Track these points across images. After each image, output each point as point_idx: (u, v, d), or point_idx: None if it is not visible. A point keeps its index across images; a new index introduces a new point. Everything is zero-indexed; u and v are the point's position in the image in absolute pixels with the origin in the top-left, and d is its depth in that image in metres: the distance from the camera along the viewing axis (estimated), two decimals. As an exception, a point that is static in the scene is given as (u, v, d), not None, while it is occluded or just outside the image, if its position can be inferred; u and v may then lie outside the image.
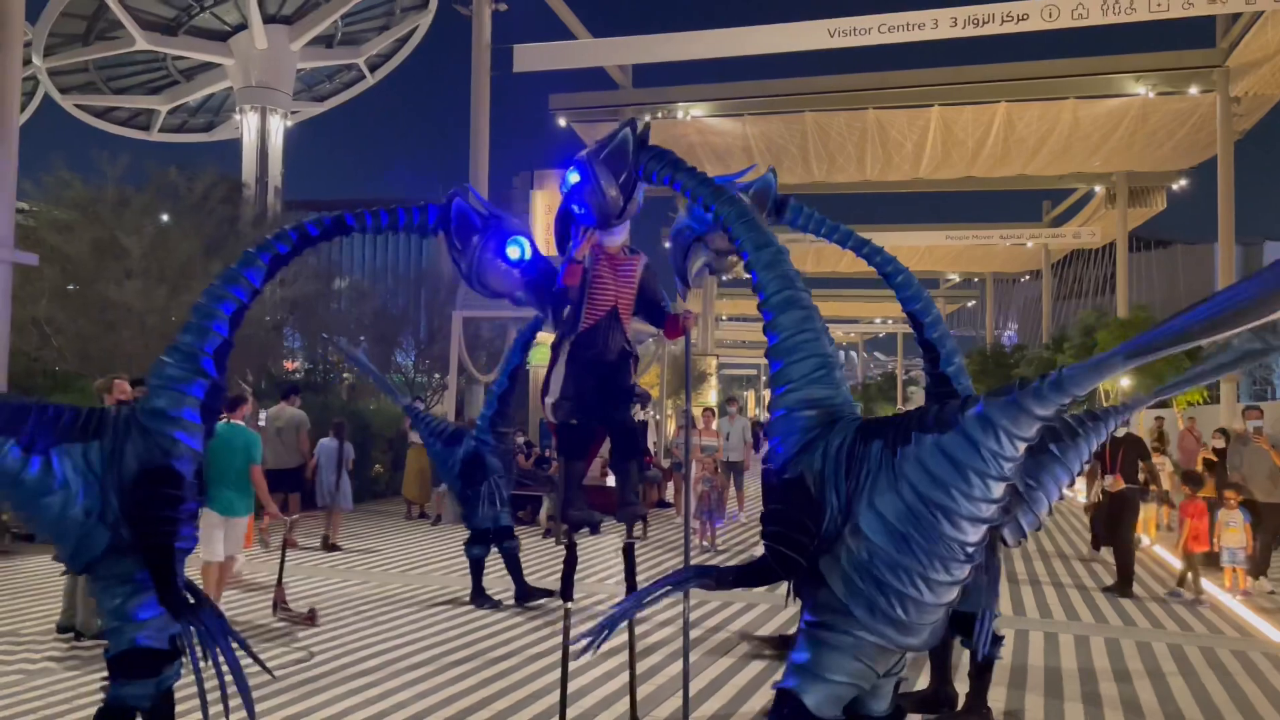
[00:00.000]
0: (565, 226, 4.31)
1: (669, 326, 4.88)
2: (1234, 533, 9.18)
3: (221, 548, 7.58)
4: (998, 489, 2.91)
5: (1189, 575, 9.29)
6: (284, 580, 7.98)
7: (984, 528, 2.98)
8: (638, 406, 5.17)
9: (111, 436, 3.70)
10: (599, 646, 3.51)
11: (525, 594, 8.39)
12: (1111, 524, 9.93)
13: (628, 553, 5.20)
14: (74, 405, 3.86)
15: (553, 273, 4.42)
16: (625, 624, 4.16)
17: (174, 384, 3.76)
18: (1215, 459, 11.02)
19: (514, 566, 8.46)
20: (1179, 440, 17.92)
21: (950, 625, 5.30)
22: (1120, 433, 10.18)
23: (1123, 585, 9.36)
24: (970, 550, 2.99)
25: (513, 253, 4.22)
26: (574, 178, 4.07)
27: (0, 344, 11.65)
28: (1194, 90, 23.74)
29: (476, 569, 8.48)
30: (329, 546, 11.42)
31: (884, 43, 19.20)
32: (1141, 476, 9.89)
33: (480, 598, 8.38)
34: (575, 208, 4.15)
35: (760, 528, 3.43)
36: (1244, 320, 2.28)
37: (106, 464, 3.67)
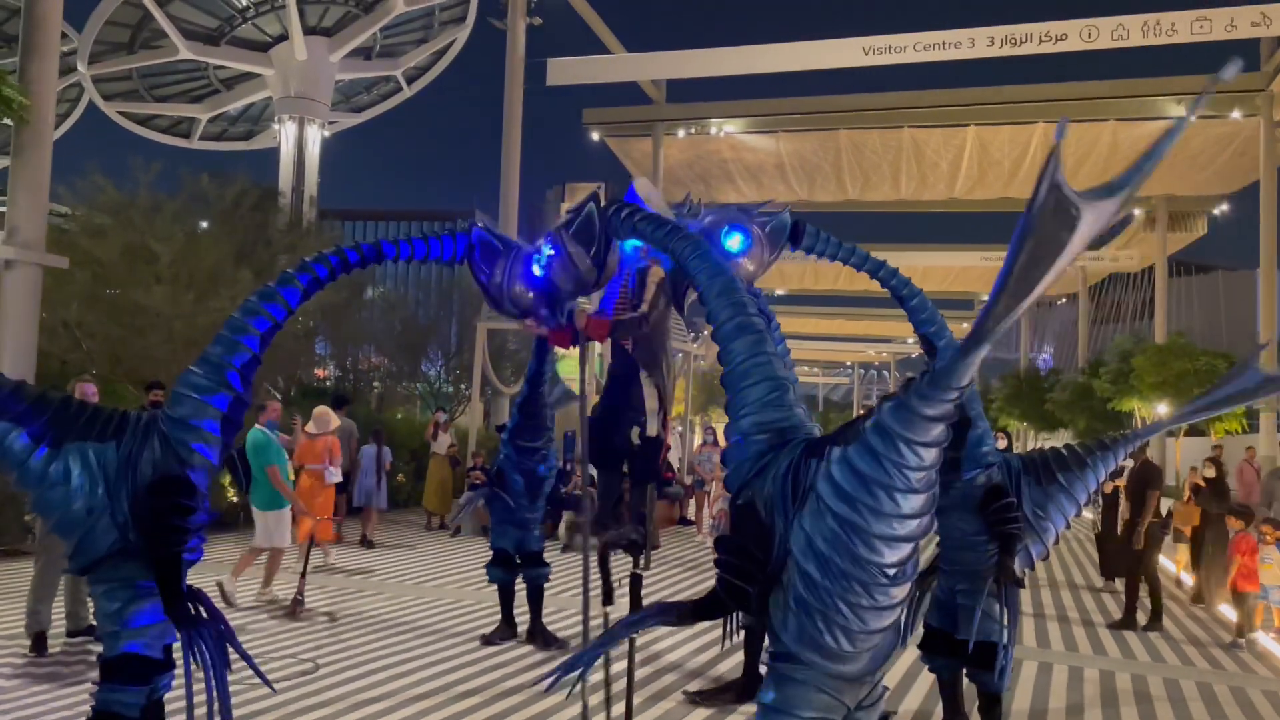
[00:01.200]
0: (548, 299, 4.38)
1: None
2: (1270, 569, 8.85)
3: (261, 537, 8.81)
4: (910, 503, 2.70)
5: (1241, 619, 8.81)
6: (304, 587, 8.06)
7: (905, 548, 2.79)
8: (636, 429, 5.21)
9: (130, 440, 3.70)
10: (556, 688, 3.45)
11: (538, 634, 7.55)
12: (1128, 554, 9.61)
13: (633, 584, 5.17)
14: (100, 405, 3.86)
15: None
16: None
17: (198, 394, 3.75)
18: (1204, 485, 10.61)
19: (535, 601, 7.64)
20: (1237, 473, 17.39)
21: (961, 655, 5.17)
22: (1134, 460, 9.90)
23: (1153, 619, 9.07)
24: (892, 572, 2.79)
25: (537, 270, 4.38)
26: (548, 252, 4.24)
27: (29, 345, 11.77)
28: (1237, 114, 23.32)
29: (504, 596, 7.70)
30: (366, 543, 12.72)
31: (920, 61, 19.04)
32: (1151, 508, 9.47)
33: (507, 629, 7.62)
34: (550, 281, 4.29)
35: None
36: (1038, 262, 2.16)
37: (121, 467, 3.65)
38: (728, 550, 3.17)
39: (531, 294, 4.39)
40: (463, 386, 21.74)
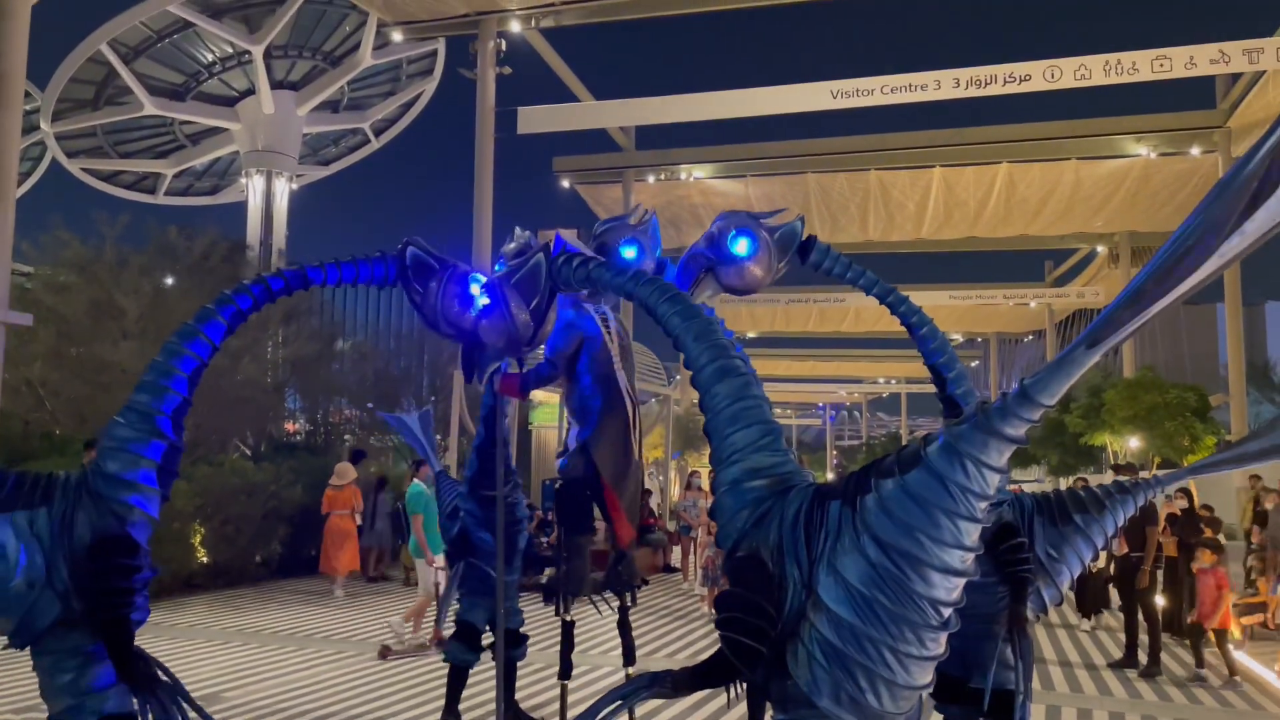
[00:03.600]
0: (470, 354, 4.17)
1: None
2: None
3: (420, 585, 9.81)
4: (970, 533, 2.58)
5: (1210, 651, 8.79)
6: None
7: (958, 584, 2.64)
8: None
9: (61, 502, 3.48)
10: None
11: (513, 716, 6.43)
12: (1124, 593, 9.51)
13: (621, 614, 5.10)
14: (20, 470, 3.63)
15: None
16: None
17: (128, 446, 3.54)
18: (1179, 515, 10.62)
19: (508, 681, 6.36)
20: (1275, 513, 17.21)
21: (975, 702, 4.98)
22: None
23: (1150, 664, 8.88)
24: (945, 614, 2.63)
25: (474, 290, 4.12)
26: (483, 301, 3.99)
27: (-9, 406, 11.38)
28: (1196, 151, 23.86)
29: (453, 681, 6.29)
30: (375, 578, 14.41)
31: (886, 103, 19.26)
32: (1153, 546, 9.38)
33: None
34: (481, 332, 4.02)
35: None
36: (1194, 257, 1.99)
37: (57, 532, 3.44)
38: (733, 607, 2.91)
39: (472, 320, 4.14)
40: (439, 436, 21.40)
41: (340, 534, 12.92)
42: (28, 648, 3.50)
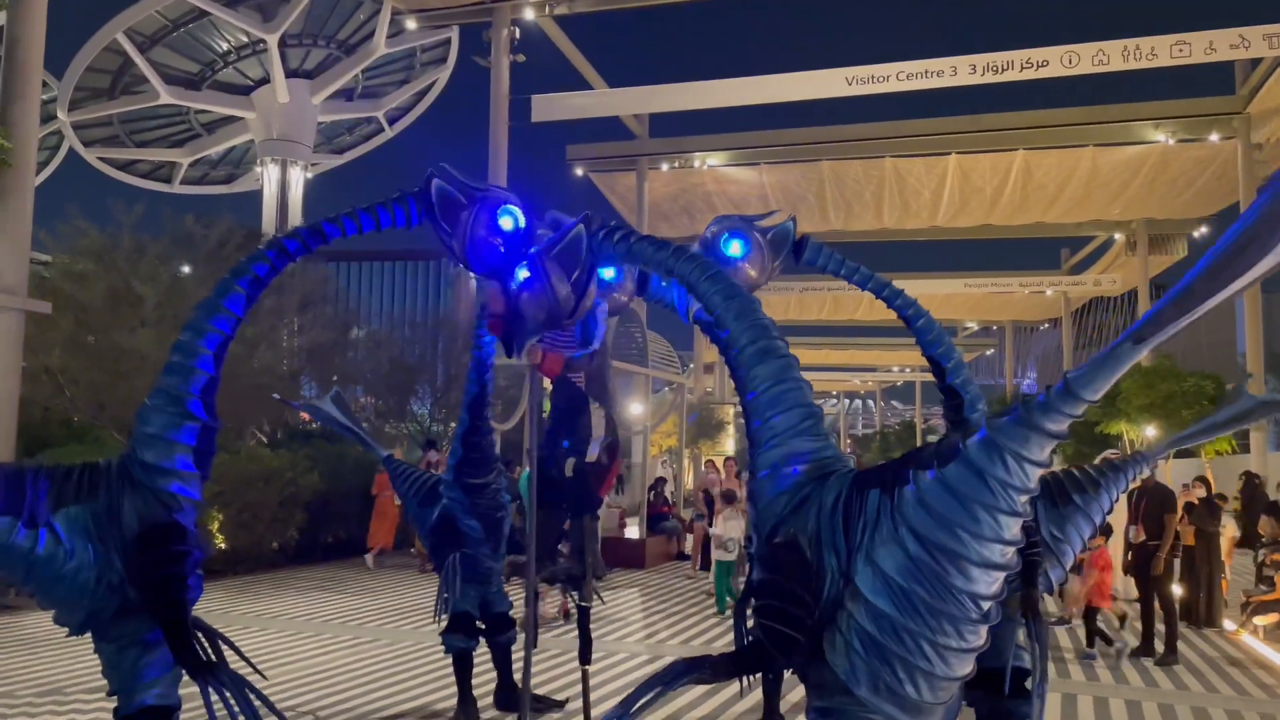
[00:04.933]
0: (510, 327, 3.96)
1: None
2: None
3: None
4: (1011, 526, 2.55)
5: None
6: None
7: (998, 577, 2.62)
8: (570, 461, 5.24)
9: (106, 494, 3.50)
10: None
11: (510, 700, 6.43)
12: (1141, 581, 9.47)
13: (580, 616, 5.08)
14: (64, 464, 3.64)
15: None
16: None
17: (163, 433, 3.55)
18: (1196, 504, 10.53)
19: (503, 663, 6.56)
20: None
21: (992, 685, 4.98)
22: (1142, 482, 9.81)
23: (1167, 653, 8.83)
24: (985, 608, 2.62)
25: (505, 223, 3.91)
26: (523, 274, 3.83)
27: (11, 392, 11.49)
28: (1215, 137, 23.62)
29: (459, 668, 6.40)
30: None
31: (902, 90, 19.15)
32: (1170, 534, 9.33)
33: (469, 711, 6.39)
34: (520, 305, 3.86)
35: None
36: (1247, 259, 1.98)
37: (106, 524, 3.47)
38: (770, 594, 2.91)
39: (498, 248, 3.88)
40: (452, 425, 21.46)
41: (383, 513, 14.88)
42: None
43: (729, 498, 11.39)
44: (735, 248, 4.40)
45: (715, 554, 11.27)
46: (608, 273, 4.74)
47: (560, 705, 6.64)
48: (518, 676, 6.12)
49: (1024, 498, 2.52)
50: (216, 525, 12.94)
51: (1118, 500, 5.23)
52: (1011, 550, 2.59)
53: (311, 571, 13.88)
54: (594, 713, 5.64)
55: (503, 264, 3.90)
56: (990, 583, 2.60)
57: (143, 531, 3.46)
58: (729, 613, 10.95)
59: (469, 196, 3.85)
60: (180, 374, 3.60)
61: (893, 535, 2.64)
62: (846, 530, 2.76)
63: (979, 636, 2.66)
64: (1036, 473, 2.50)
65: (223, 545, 13.03)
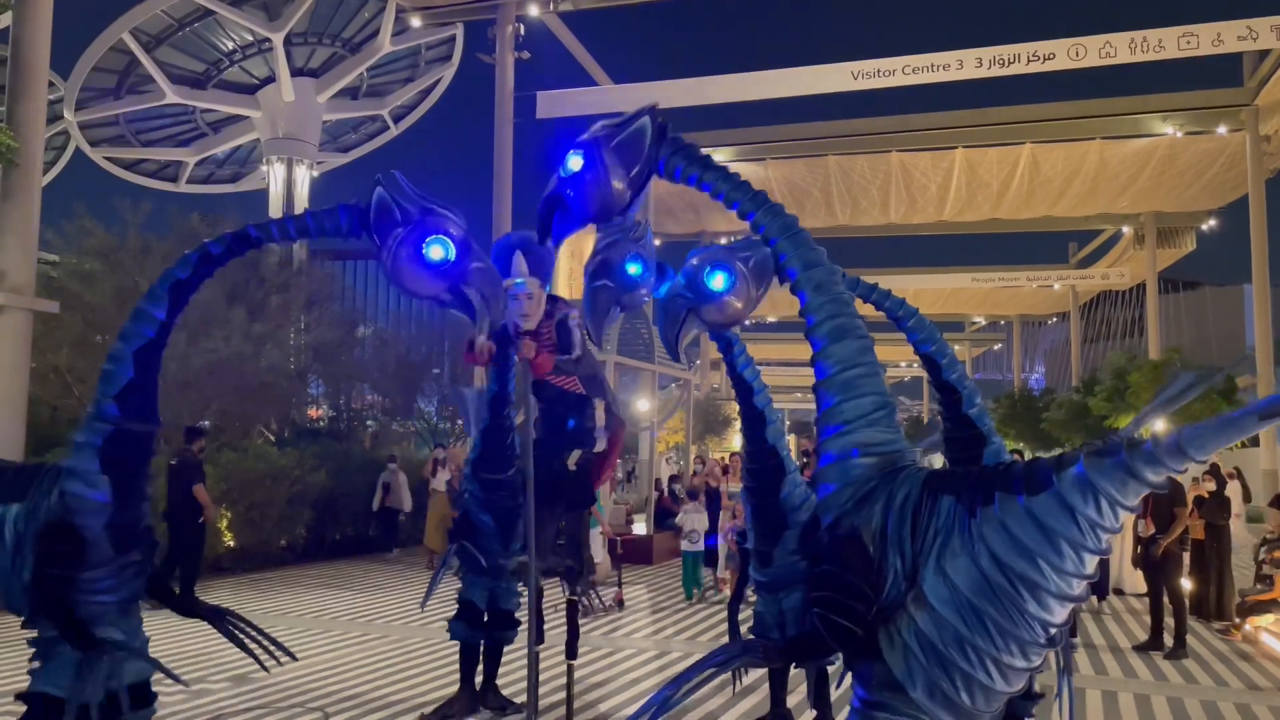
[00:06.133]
0: (550, 212, 3.76)
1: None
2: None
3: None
4: (1092, 564, 2.55)
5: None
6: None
7: (1069, 607, 2.62)
8: (576, 453, 5.31)
9: (34, 494, 3.72)
10: None
11: (490, 694, 6.49)
12: (1150, 575, 9.42)
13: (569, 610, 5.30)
14: (14, 463, 3.93)
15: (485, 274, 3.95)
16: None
17: (78, 435, 3.74)
18: (1206, 497, 10.47)
19: (493, 659, 6.52)
20: None
21: None
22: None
23: (1176, 646, 8.79)
24: (1053, 633, 2.61)
25: (433, 253, 3.70)
26: (576, 163, 3.62)
27: (19, 393, 11.53)
28: (1222, 129, 23.51)
29: (466, 659, 6.42)
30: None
31: (908, 84, 19.08)
32: (1179, 527, 9.27)
33: (467, 701, 6.36)
34: (569, 193, 3.65)
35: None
36: None
37: (27, 522, 3.69)
38: (832, 587, 2.88)
39: (435, 282, 3.78)
40: (459, 422, 21.48)
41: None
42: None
43: (693, 494, 12.45)
44: (719, 281, 4.25)
45: (682, 544, 12.02)
46: (632, 268, 4.70)
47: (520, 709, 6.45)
48: (513, 679, 6.13)
49: (1109, 537, 2.51)
50: (225, 523, 12.98)
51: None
52: (1085, 585, 2.60)
53: (319, 569, 13.91)
54: (593, 713, 5.64)
55: (425, 292, 3.78)
56: (1063, 612, 2.60)
57: (39, 530, 3.65)
58: (694, 601, 11.50)
59: (404, 215, 3.71)
60: (102, 379, 3.75)
61: (967, 550, 2.60)
62: (914, 532, 2.72)
63: (1040, 657, 2.66)
64: (1124, 515, 2.50)
65: (230, 543, 13.06)
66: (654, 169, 3.54)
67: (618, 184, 3.51)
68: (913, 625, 2.67)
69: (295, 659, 4.78)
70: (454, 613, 6.38)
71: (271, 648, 4.18)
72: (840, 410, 3.03)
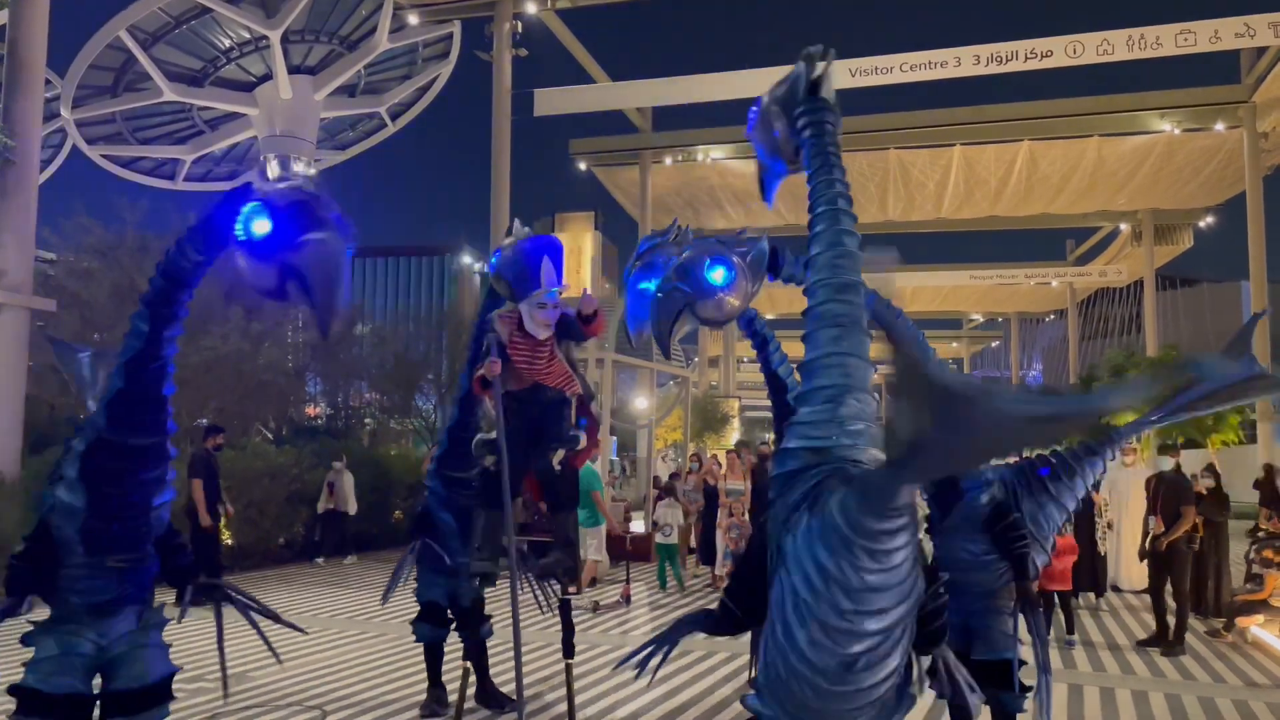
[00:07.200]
0: (763, 177, 4.05)
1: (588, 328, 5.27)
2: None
3: (586, 551, 10.90)
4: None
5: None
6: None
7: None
8: (561, 453, 5.30)
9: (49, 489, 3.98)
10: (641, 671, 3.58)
11: (490, 697, 6.50)
12: (1157, 572, 9.44)
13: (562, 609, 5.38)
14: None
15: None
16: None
17: (74, 438, 3.91)
18: (1205, 495, 10.47)
19: (479, 660, 6.47)
20: None
21: (978, 676, 4.99)
22: (1160, 472, 9.79)
23: (1174, 642, 8.80)
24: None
25: (257, 228, 3.11)
26: (719, 274, 3.91)
27: (17, 391, 11.53)
28: (1220, 126, 23.51)
29: (430, 658, 6.50)
30: None
31: (905, 81, 19.07)
32: (1185, 525, 9.28)
33: (438, 695, 6.45)
34: (753, 137, 3.84)
35: None
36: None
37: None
38: (737, 573, 3.19)
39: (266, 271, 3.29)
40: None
41: None
42: None
43: (669, 490, 13.02)
44: (719, 275, 4.17)
45: (656, 537, 12.51)
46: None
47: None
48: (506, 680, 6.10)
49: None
50: (223, 521, 12.97)
51: (1093, 483, 5.30)
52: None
53: (318, 567, 13.91)
54: (594, 711, 5.64)
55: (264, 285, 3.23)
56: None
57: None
58: (670, 589, 11.94)
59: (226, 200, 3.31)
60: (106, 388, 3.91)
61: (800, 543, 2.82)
62: (787, 525, 2.85)
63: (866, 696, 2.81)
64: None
65: (229, 541, 13.05)
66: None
67: (781, 129, 3.73)
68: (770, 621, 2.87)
69: (281, 661, 4.81)
70: (415, 614, 6.41)
71: (280, 628, 4.45)
72: (800, 399, 3.07)
